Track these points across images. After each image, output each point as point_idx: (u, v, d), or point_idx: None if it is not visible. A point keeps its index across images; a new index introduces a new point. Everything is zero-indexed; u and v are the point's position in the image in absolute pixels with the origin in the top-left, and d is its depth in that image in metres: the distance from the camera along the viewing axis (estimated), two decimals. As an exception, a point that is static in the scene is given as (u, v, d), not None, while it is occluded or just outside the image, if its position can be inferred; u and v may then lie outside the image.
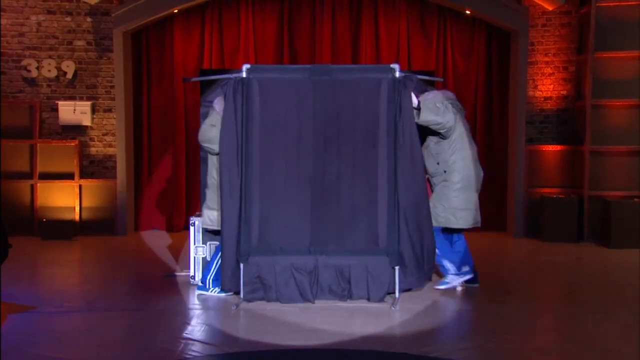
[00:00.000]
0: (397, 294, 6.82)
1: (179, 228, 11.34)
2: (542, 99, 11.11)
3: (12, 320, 6.07)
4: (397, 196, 6.75)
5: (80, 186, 10.97)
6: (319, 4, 11.33)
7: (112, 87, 11.00)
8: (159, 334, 5.84)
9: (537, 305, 7.06)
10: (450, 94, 7.38)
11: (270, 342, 5.55)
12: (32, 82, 11.04)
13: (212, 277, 7.14)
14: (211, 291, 7.12)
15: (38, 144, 10.95)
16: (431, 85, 7.77)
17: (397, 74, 6.80)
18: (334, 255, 6.79)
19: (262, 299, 6.80)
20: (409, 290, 7.03)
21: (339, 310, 6.57)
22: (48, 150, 10.95)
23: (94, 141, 11.16)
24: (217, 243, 7.14)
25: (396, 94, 6.76)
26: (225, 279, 6.87)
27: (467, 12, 11.07)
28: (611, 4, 10.42)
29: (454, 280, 7.30)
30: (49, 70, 10.99)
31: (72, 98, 11.07)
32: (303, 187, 6.84)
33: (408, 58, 11.31)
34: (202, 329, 6.02)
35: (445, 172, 7.18)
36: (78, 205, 10.94)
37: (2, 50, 10.89)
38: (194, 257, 7.56)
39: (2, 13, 10.81)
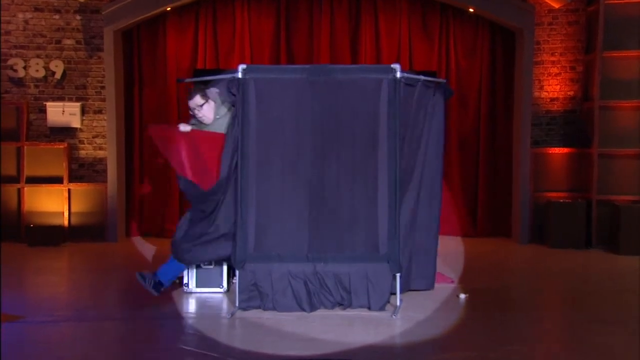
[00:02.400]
0: (398, 302, 6.79)
1: (171, 234, 11.04)
2: (549, 100, 11.03)
3: (-1, 330, 6.14)
4: (401, 198, 6.81)
5: (69, 190, 10.87)
6: (317, 2, 11.30)
7: (103, 87, 10.90)
8: (152, 343, 5.88)
9: (542, 314, 7.10)
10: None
11: (266, 352, 5.52)
12: (19, 82, 10.91)
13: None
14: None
15: (25, 147, 10.82)
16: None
17: (398, 74, 6.77)
18: (333, 263, 6.77)
19: (258, 307, 6.78)
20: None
21: (337, 318, 6.55)
22: (36, 153, 10.82)
23: (84, 144, 11.04)
24: None
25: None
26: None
27: (471, 10, 11.04)
28: (620, 1, 10.34)
29: None
30: (37, 70, 10.85)
31: (60, 99, 10.94)
32: (301, 192, 6.82)
33: (409, 58, 11.29)
34: (196, 338, 5.98)
35: None
36: (67, 210, 10.83)
37: (-12, 50, 10.85)
38: (187, 264, 7.56)
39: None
